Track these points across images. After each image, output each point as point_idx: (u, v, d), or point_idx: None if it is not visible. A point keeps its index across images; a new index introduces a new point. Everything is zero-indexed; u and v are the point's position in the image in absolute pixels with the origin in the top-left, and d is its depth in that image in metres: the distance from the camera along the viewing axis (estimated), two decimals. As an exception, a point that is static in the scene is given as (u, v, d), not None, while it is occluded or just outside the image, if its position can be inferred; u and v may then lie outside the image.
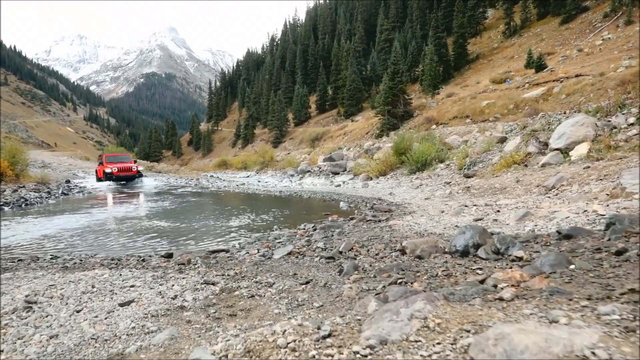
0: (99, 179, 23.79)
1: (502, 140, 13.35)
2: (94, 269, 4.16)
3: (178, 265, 4.16)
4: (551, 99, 24.88)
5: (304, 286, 3.02)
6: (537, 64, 34.10)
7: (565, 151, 9.04)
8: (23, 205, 12.52)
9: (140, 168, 24.94)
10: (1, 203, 12.11)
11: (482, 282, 2.43)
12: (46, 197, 14.83)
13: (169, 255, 4.93)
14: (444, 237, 4.45)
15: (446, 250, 3.63)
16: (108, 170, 22.60)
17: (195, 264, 4.14)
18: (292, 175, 24.56)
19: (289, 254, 4.39)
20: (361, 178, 17.22)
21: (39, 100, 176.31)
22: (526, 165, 9.52)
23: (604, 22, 39.33)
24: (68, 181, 22.45)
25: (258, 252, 4.82)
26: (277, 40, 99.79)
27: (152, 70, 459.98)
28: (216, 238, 7.06)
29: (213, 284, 3.27)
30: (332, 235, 5.74)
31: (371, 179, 16.76)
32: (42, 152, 60.64)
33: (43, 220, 9.67)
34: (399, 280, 2.75)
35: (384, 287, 2.72)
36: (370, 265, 3.53)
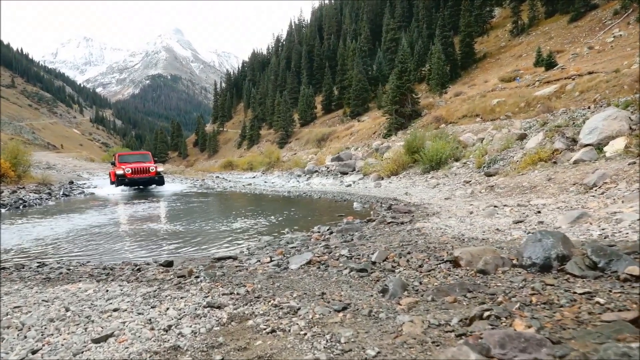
0: (112, 183, 19.66)
1: (522, 137, 12.67)
2: (80, 281, 3.54)
3: (177, 277, 3.52)
4: (564, 97, 24.17)
5: (341, 315, 2.31)
6: (547, 62, 33.43)
7: (598, 147, 8.37)
8: (21, 207, 12.00)
9: (160, 169, 20.05)
10: (-2, 204, 11.59)
11: (634, 322, 1.68)
12: (46, 199, 14.31)
13: (169, 264, 4.30)
14: (489, 243, 3.79)
15: (515, 262, 2.92)
16: (120, 171, 18.42)
17: (198, 277, 3.49)
18: (299, 176, 23.97)
19: (309, 263, 3.71)
20: (372, 178, 16.59)
21: (46, 102, 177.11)
22: (555, 163, 8.85)
23: (615, 20, 38.57)
24: (71, 182, 21.96)
25: (271, 260, 4.16)
26: (282, 40, 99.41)
27: (158, 71, 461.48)
28: (222, 242, 6.46)
29: (219, 307, 2.60)
30: (352, 240, 5.10)
31: (382, 178, 16.14)
32: (47, 154, 60.54)
33: (39, 222, 9.12)
34: (486, 314, 1.97)
35: (462, 322, 1.99)
36: (420, 283, 2.83)
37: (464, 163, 13.41)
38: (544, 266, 2.70)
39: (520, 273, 2.74)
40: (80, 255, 5.74)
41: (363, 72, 53.75)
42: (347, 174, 20.15)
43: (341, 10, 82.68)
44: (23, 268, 4.55)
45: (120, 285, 3.29)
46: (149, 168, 19.00)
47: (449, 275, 2.93)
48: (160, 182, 19.23)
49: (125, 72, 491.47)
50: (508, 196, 7.71)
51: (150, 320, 2.45)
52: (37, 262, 4.83)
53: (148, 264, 4.62)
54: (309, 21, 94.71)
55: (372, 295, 2.68)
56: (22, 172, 18.29)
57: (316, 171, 23.47)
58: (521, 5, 49.41)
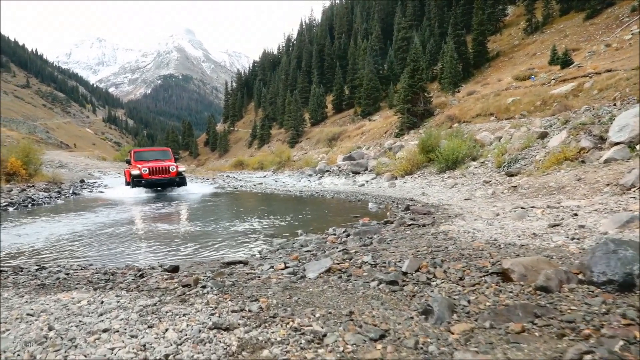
0: (127, 184, 17.45)
1: (543, 135, 12.18)
2: (76, 288, 3.20)
3: (182, 287, 3.15)
4: (582, 95, 23.56)
5: (379, 346, 1.85)
6: (563, 60, 32.73)
7: (629, 145, 7.89)
8: (29, 206, 11.82)
9: (182, 168, 17.53)
10: (3, 203, 11.40)
11: None
12: (55, 197, 14.16)
13: (174, 269, 3.95)
14: (531, 250, 3.37)
15: (581, 277, 2.43)
16: (135, 171, 16.01)
17: (204, 287, 3.07)
18: (310, 175, 23.64)
19: (328, 271, 3.31)
20: (385, 177, 16.19)
21: (60, 102, 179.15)
22: (583, 162, 8.38)
23: (632, 17, 37.64)
24: (82, 181, 21.94)
25: (285, 266, 3.79)
26: (293, 40, 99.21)
27: (170, 72, 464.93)
28: (232, 244, 6.13)
29: (227, 329, 2.15)
30: (371, 243, 4.72)
31: (396, 178, 15.73)
32: (60, 153, 61.26)
33: (46, 221, 8.90)
34: (587, 359, 1.47)
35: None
36: (469, 302, 2.33)
37: (482, 162, 12.95)
38: (624, 284, 2.20)
39: (593, 292, 2.26)
40: (84, 257, 5.45)
41: (374, 71, 53.24)
42: (359, 173, 19.77)
43: (352, 9, 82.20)
44: (21, 271, 4.26)
45: (117, 296, 2.93)
46: (168, 167, 16.35)
47: (500, 291, 2.47)
48: (182, 183, 16.70)
49: (137, 72, 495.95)
50: (534, 197, 7.26)
51: (144, 346, 2.05)
52: (36, 265, 4.53)
53: (153, 268, 4.28)
54: (319, 20, 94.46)
55: (412, 318, 2.22)
56: (33, 170, 18.23)
57: (327, 170, 23.13)
58: (535, 3, 48.56)
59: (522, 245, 3.61)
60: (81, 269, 4.30)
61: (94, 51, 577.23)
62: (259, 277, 3.40)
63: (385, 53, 59.99)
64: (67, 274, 3.91)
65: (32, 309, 2.54)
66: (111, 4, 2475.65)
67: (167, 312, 2.45)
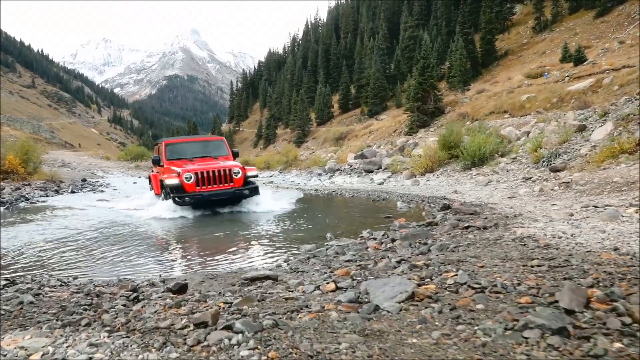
0: (157, 196, 10.94)
1: (581, 128, 11.16)
2: (38, 323, 2.14)
3: (194, 325, 1.96)
4: (601, 91, 22.68)
5: None
6: (576, 57, 31.88)
7: None
8: (22, 205, 10.91)
9: (252, 172, 10.23)
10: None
11: None
12: (52, 196, 13.27)
13: (181, 289, 2.90)
14: None
15: None
16: (172, 181, 8.97)
17: (230, 328, 1.87)
18: (320, 174, 22.69)
19: (411, 298, 2.19)
20: (404, 175, 15.18)
21: (65, 102, 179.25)
22: (647, 155, 7.36)
23: (644, 14, 36.70)
24: (84, 180, 21.55)
25: (337, 287, 2.67)
26: (298, 40, 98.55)
27: (175, 72, 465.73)
28: (249, 250, 5.13)
29: None
30: (429, 251, 3.71)
31: (415, 175, 14.72)
32: (63, 152, 60.96)
33: (39, 222, 7.96)
34: None
35: None
36: None
37: (514, 158, 11.90)
38: None
39: None
40: (72, 265, 4.48)
41: (381, 70, 52.37)
42: (372, 171, 18.85)
43: (358, 9, 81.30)
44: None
45: (92, 345, 1.76)
46: (230, 172, 9.27)
47: None
48: (253, 194, 9.59)
49: (142, 73, 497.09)
50: (598, 194, 6.23)
51: None
52: (5, 280, 3.53)
53: (153, 284, 3.26)
54: (325, 20, 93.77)
55: None
56: (32, 169, 17.54)
57: (338, 169, 22.23)
58: (544, 1, 47.68)
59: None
60: (60, 286, 3.29)
61: (99, 52, 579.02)
62: (308, 306, 2.28)
63: (392, 52, 59.09)
64: (37, 295, 2.87)
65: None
66: (117, 4, 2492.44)
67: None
